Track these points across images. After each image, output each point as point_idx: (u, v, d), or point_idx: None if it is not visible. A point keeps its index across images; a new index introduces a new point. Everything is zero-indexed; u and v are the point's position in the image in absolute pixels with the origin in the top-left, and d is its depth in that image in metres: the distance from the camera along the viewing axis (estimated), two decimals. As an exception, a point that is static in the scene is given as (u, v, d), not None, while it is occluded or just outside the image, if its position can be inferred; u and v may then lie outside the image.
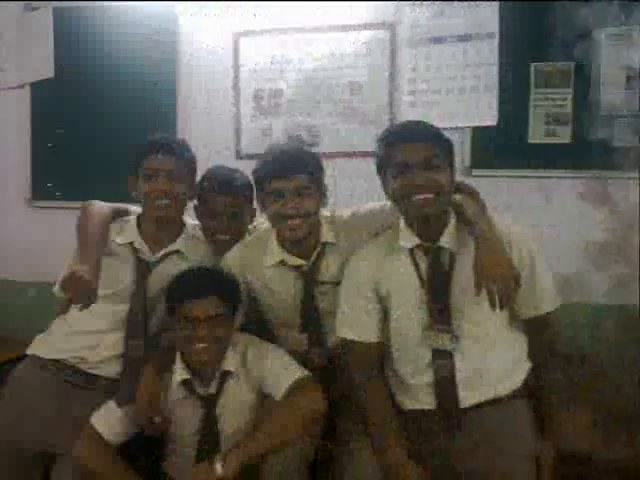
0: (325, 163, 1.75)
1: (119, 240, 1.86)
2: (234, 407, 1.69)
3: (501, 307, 1.39)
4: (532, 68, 2.63)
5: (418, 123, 1.60)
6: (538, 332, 1.61)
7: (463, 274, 1.54)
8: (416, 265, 1.61)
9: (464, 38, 2.68)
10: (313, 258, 1.77)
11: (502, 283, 1.38)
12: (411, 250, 1.61)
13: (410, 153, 1.51)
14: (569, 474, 1.57)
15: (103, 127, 3.02)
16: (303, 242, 1.72)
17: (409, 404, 1.63)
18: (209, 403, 1.68)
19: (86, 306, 1.57)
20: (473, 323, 1.56)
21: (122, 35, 2.97)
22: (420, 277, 1.60)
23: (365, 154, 2.74)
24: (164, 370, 1.72)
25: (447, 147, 1.56)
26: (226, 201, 1.90)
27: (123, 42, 2.97)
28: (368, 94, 2.81)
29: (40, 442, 1.75)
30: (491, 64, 2.65)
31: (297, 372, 1.65)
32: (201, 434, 1.68)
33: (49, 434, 1.74)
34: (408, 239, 1.62)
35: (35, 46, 3.09)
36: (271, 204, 1.67)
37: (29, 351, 1.85)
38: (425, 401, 1.59)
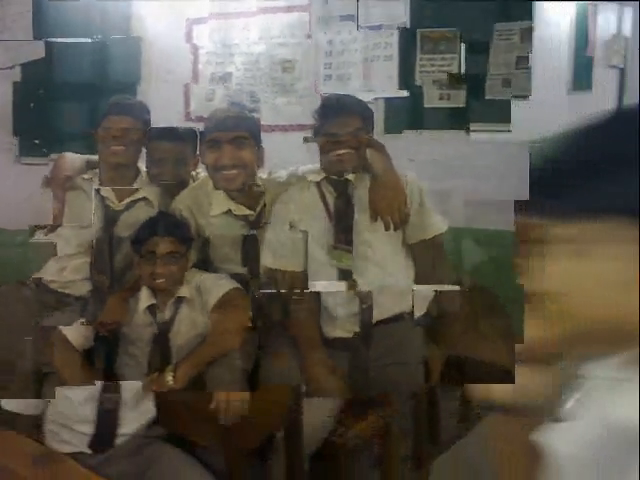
0: (264, 136, 1.95)
1: (86, 176, 2.01)
2: (186, 328, 1.91)
3: (395, 228, 1.71)
4: (418, 35, 2.70)
5: (345, 97, 1.89)
6: (426, 251, 1.89)
7: (363, 204, 1.83)
8: (322, 195, 1.88)
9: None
10: (259, 209, 1.96)
11: (395, 209, 1.72)
12: (318, 183, 1.89)
13: (339, 126, 1.79)
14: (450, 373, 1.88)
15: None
16: (248, 192, 1.92)
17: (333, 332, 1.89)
18: (164, 326, 1.90)
19: (52, 230, 1.78)
20: (370, 246, 1.84)
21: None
22: (326, 205, 1.87)
23: (302, 127, 2.93)
24: (129, 296, 1.94)
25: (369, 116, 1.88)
26: (170, 148, 2.06)
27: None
28: (298, 71, 3.03)
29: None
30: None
31: (228, 284, 1.90)
32: (152, 347, 1.89)
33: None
34: (317, 175, 1.89)
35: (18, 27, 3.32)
36: (208, 154, 1.86)
37: None
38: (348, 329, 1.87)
